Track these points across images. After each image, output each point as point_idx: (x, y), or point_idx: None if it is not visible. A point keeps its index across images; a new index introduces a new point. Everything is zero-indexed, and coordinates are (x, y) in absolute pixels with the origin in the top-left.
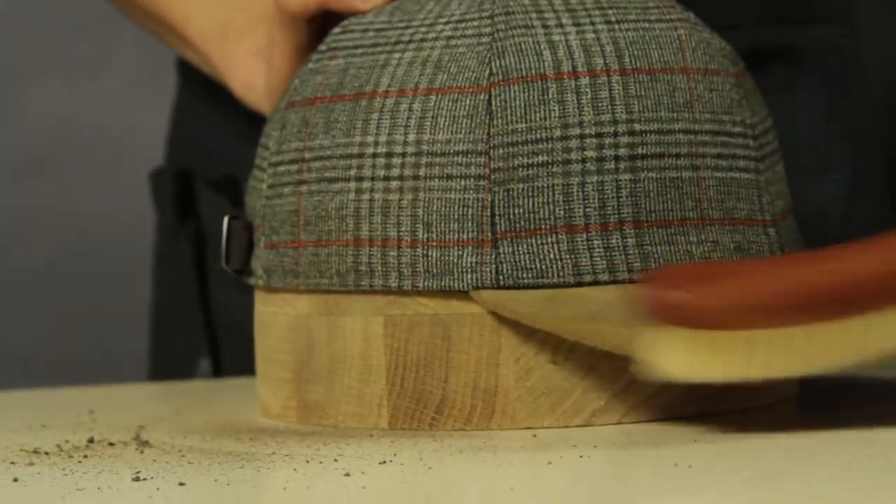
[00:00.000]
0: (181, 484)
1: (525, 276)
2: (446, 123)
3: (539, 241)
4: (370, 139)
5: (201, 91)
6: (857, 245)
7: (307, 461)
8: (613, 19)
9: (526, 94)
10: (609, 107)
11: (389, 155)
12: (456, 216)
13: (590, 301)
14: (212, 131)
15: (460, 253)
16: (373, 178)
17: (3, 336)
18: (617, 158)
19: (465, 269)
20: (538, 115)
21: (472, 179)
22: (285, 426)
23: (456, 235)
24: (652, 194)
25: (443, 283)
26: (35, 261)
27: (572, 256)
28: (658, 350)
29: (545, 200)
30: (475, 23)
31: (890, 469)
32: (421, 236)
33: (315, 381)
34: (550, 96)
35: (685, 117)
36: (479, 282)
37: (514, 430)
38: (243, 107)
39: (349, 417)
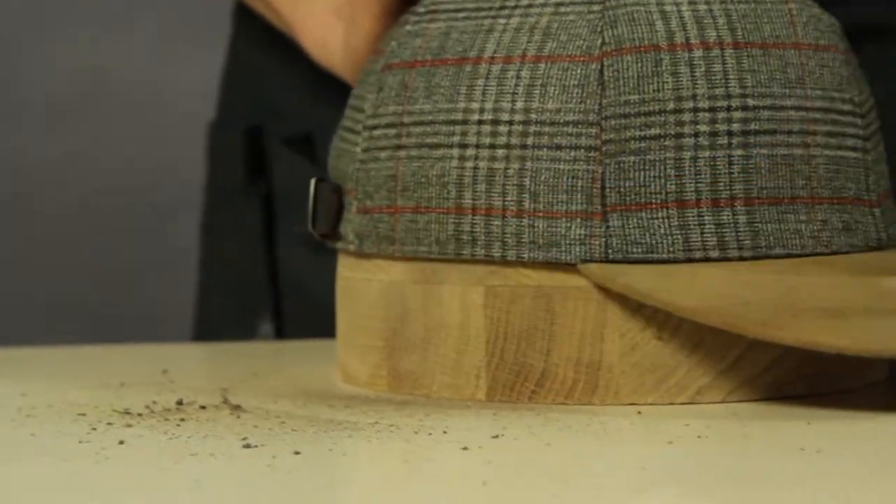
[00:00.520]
0: (296, 453)
1: (635, 250)
2: (556, 92)
3: (649, 216)
4: (475, 105)
5: (264, 41)
6: None
7: (415, 432)
8: None
9: (639, 64)
10: (723, 80)
11: (496, 122)
12: (564, 187)
13: (702, 278)
14: (278, 85)
15: (568, 225)
16: (477, 146)
17: (31, 286)
18: (730, 133)
19: (572, 242)
20: (651, 86)
21: (582, 150)
22: (375, 394)
23: (564, 207)
24: (763, 171)
25: (549, 255)
26: (63, 210)
27: (683, 232)
28: None
29: (656, 174)
30: None
31: None
32: (527, 206)
33: (408, 350)
34: (664, 68)
35: (797, 93)
36: (588, 254)
37: (616, 405)
38: (310, 62)
39: (444, 388)
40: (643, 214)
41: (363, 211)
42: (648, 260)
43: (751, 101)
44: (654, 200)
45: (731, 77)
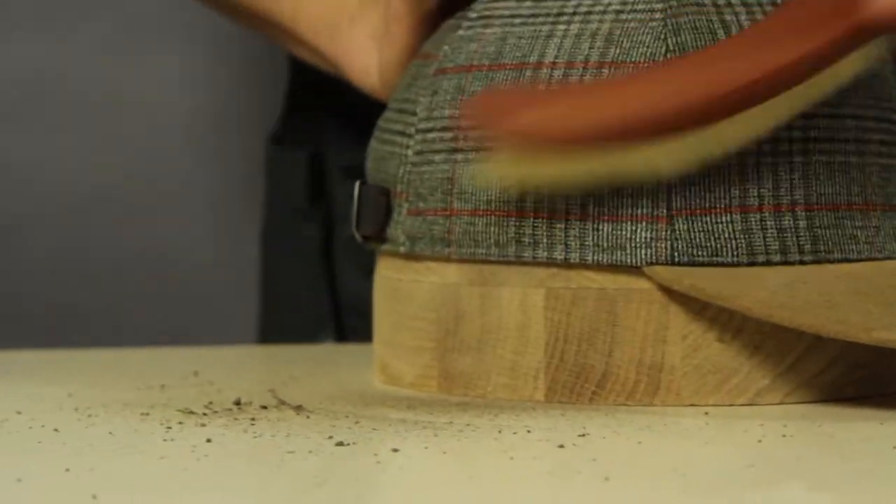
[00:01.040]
0: (395, 450)
1: (700, 253)
2: None
3: (714, 220)
4: None
5: (316, 80)
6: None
7: (499, 431)
8: (780, 0)
9: None
10: None
11: None
12: (629, 191)
13: (768, 280)
14: (334, 121)
15: (634, 228)
16: None
17: None
18: (790, 141)
19: (638, 245)
20: None
21: None
22: (427, 395)
23: (629, 210)
24: (822, 177)
25: (614, 258)
26: (10, 213)
27: (746, 236)
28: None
29: (721, 179)
30: None
31: None
32: (591, 210)
33: (462, 351)
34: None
35: (852, 102)
36: (654, 257)
37: (678, 406)
38: (357, 99)
39: (500, 388)
40: (707, 219)
41: (415, 213)
42: (713, 263)
43: (810, 109)
44: (718, 205)
45: None
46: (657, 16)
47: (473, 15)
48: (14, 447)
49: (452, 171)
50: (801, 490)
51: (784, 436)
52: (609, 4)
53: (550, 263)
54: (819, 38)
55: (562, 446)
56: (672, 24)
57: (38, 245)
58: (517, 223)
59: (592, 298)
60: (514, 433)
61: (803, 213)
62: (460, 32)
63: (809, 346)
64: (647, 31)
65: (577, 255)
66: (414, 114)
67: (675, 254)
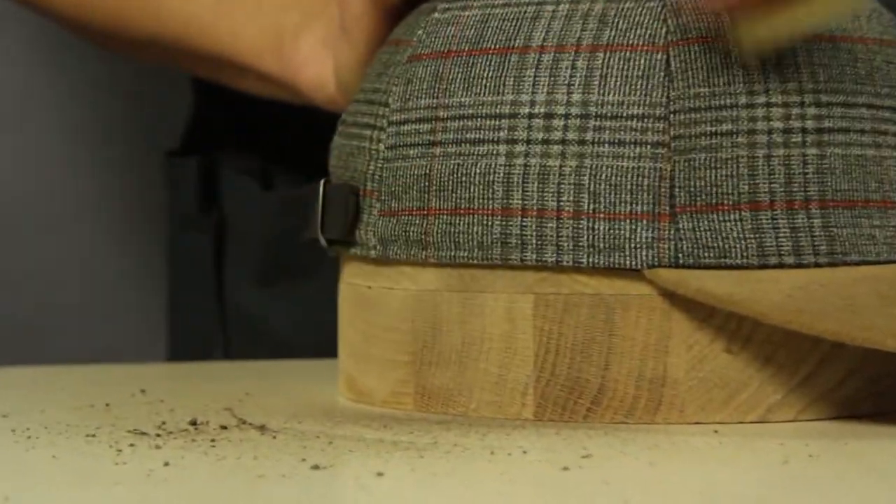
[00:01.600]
0: (379, 474)
1: (706, 255)
2: (618, 84)
3: (721, 218)
4: (525, 98)
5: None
6: None
7: (491, 452)
8: None
9: (708, 55)
10: (795, 74)
11: (549, 116)
12: (629, 186)
13: (783, 283)
14: (239, 116)
15: (633, 227)
16: (528, 142)
17: None
18: (804, 131)
19: (638, 245)
20: (722, 79)
21: (648, 146)
22: (404, 414)
23: (628, 207)
24: (837, 172)
25: (611, 260)
26: None
27: (756, 236)
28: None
29: (729, 173)
30: None
31: None
32: (586, 207)
33: (441, 365)
34: (734, 60)
35: (867, 90)
36: (656, 259)
37: (681, 424)
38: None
39: (484, 406)
40: (714, 216)
41: (388, 214)
42: (721, 265)
43: (824, 98)
44: (725, 202)
45: (804, 71)
46: None
47: None
48: None
49: (430, 167)
50: None
51: (810, 455)
52: None
53: (540, 267)
54: None
55: (566, 468)
56: (672, 5)
57: None
58: (503, 222)
59: (587, 305)
60: (509, 454)
61: (818, 211)
62: (436, 15)
63: (825, 357)
64: (644, 11)
65: (570, 257)
66: (385, 105)
67: (679, 255)
